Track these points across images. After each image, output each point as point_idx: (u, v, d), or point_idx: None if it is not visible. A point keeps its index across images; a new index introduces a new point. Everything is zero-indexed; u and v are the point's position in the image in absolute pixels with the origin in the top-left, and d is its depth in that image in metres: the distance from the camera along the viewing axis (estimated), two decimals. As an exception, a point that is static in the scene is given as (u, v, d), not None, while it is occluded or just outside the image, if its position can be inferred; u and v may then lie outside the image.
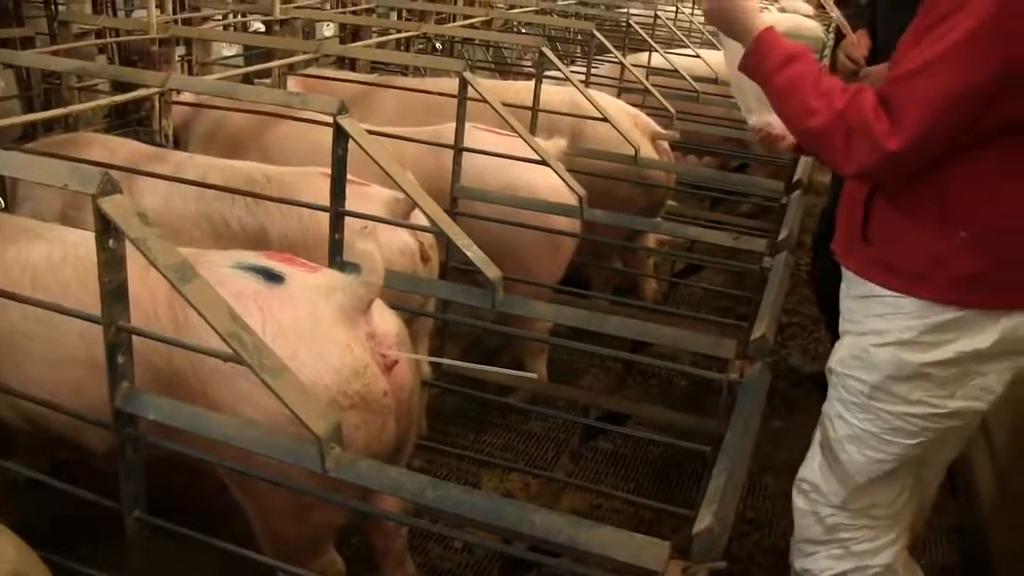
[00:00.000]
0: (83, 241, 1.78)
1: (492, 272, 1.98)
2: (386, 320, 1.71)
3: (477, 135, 2.74)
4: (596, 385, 3.27)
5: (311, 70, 3.61)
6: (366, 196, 2.22)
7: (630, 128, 3.21)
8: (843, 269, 1.66)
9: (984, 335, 1.48)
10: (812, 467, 1.73)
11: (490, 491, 2.54)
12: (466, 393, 2.44)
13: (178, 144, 3.00)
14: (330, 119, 1.93)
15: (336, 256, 2.06)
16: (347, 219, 2.04)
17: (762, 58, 1.58)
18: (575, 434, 2.93)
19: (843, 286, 1.67)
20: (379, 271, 1.63)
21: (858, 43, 3.06)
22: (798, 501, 1.77)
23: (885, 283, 1.55)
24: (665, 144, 3.39)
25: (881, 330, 1.55)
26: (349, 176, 2.15)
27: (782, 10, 8.00)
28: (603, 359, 3.38)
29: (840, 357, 1.66)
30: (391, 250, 2.22)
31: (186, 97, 2.96)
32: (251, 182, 2.29)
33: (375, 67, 4.27)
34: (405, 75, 4.18)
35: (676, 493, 2.68)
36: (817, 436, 1.74)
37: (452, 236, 2.01)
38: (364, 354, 1.59)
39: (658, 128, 3.38)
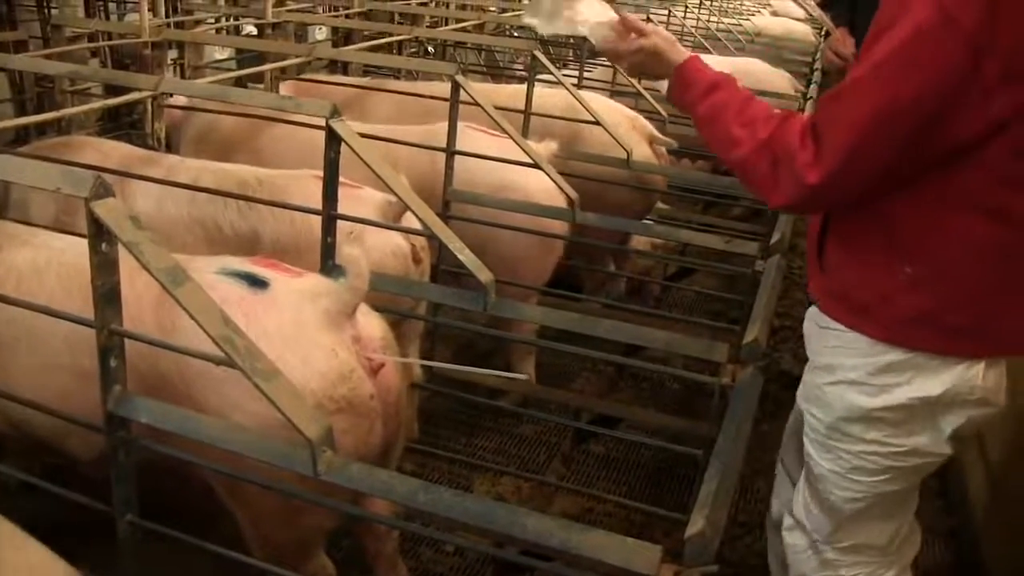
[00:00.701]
0: (69, 247, 1.78)
1: (484, 275, 1.98)
2: (371, 324, 1.71)
3: (471, 135, 2.75)
4: (588, 388, 3.28)
5: (303, 74, 3.61)
6: (359, 199, 2.23)
7: (627, 131, 3.22)
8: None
9: (935, 381, 1.38)
10: (798, 501, 1.63)
11: (482, 495, 2.54)
12: (458, 396, 2.45)
13: (171, 147, 2.99)
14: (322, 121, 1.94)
15: (328, 259, 2.06)
16: (339, 222, 2.04)
17: (684, 89, 1.52)
18: (567, 437, 2.93)
19: (809, 310, 1.58)
20: (364, 276, 1.63)
21: (844, 39, 3.08)
22: (789, 538, 1.66)
23: (837, 316, 1.46)
24: (662, 147, 3.41)
25: (833, 366, 1.47)
26: (341, 179, 2.15)
27: (774, 13, 8.05)
28: (595, 362, 3.38)
29: (801, 392, 1.59)
30: (383, 252, 2.23)
31: (179, 100, 2.96)
32: (243, 185, 2.30)
33: (367, 71, 4.28)
34: (398, 79, 4.19)
35: (668, 497, 2.68)
36: (803, 470, 1.63)
37: (444, 239, 2.01)
38: (350, 358, 1.59)
39: (655, 131, 3.39)
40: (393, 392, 1.70)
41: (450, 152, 2.62)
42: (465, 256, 1.99)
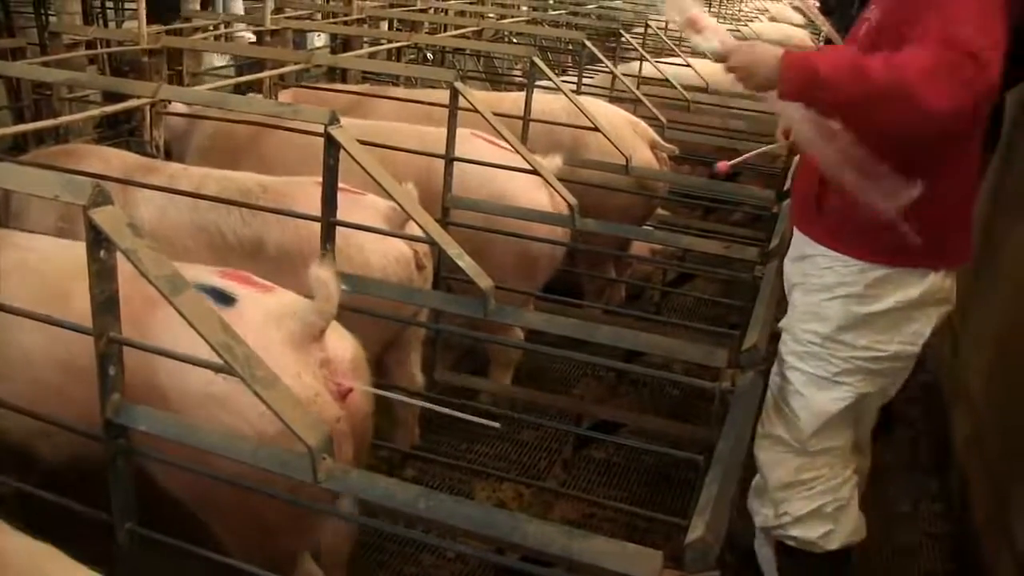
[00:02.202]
0: (44, 250, 1.76)
1: (484, 282, 1.98)
2: (341, 345, 1.68)
3: (473, 143, 2.75)
4: (588, 394, 3.27)
5: (301, 81, 3.61)
6: (362, 205, 2.23)
7: (628, 135, 3.22)
8: (796, 233, 1.91)
9: (914, 288, 1.75)
10: (772, 421, 1.92)
11: (483, 501, 2.53)
12: (459, 404, 2.44)
13: (170, 155, 3.00)
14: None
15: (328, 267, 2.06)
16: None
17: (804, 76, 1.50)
18: (568, 443, 2.93)
19: (792, 251, 1.92)
20: (333, 298, 1.61)
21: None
22: (761, 456, 1.94)
23: (835, 247, 1.78)
24: (663, 153, 3.41)
25: (830, 285, 1.80)
26: (345, 185, 2.15)
27: (772, 19, 8.06)
28: (596, 368, 3.38)
29: (794, 315, 1.88)
30: (387, 259, 2.22)
31: (178, 108, 2.97)
32: (247, 193, 2.29)
33: (366, 77, 4.28)
34: (396, 85, 4.19)
35: (669, 502, 2.68)
36: (770, 398, 1.93)
37: (444, 246, 2.02)
38: (314, 383, 1.56)
39: (657, 137, 3.40)
40: (361, 413, 1.67)
41: (449, 159, 2.62)
42: (465, 263, 2.00)
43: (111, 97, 2.92)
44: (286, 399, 1.28)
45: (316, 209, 2.05)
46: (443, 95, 2.74)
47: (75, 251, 1.71)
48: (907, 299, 1.76)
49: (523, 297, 2.81)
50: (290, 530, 1.69)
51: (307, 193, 2.24)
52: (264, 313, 1.57)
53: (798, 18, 8.16)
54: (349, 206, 2.12)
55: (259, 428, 1.50)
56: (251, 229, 2.26)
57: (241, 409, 1.51)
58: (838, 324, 1.80)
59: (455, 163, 2.63)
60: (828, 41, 3.32)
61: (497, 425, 1.57)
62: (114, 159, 2.49)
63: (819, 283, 1.83)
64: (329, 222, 2.04)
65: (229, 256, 2.22)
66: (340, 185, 2.08)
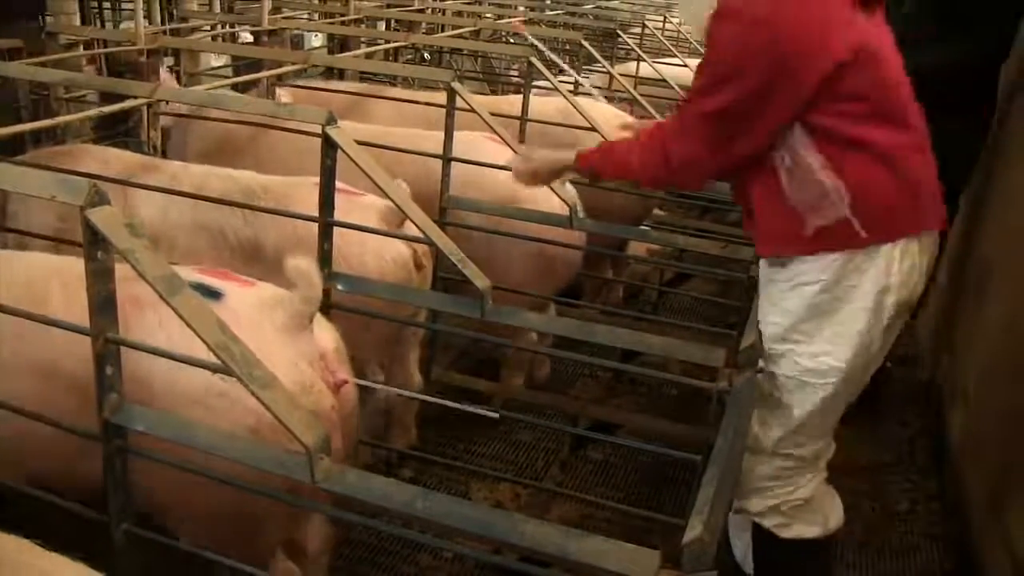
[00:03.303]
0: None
1: (481, 282, 1.99)
2: (324, 336, 1.69)
3: (481, 144, 2.75)
4: (586, 394, 3.28)
5: (299, 80, 3.61)
6: (361, 206, 2.22)
7: (625, 136, 3.22)
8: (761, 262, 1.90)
9: (867, 272, 1.73)
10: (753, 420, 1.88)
11: (480, 501, 2.54)
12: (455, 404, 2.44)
13: (166, 155, 2.99)
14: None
15: (325, 267, 2.06)
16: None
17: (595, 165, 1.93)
18: (565, 444, 2.93)
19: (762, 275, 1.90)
20: (316, 286, 1.61)
21: None
22: (745, 462, 1.91)
23: (787, 253, 1.78)
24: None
25: (790, 275, 1.78)
26: (344, 185, 2.15)
27: None
28: (593, 368, 3.39)
29: (762, 312, 1.87)
30: (384, 260, 2.22)
31: (175, 108, 2.96)
32: (248, 193, 2.28)
33: (363, 77, 4.28)
34: (395, 85, 4.19)
35: (667, 502, 2.68)
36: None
37: (441, 246, 2.02)
38: (310, 371, 1.57)
39: None
40: (349, 405, 1.68)
41: (446, 159, 2.62)
42: (462, 263, 2.00)
43: (108, 97, 2.91)
44: (284, 399, 1.28)
45: (315, 209, 2.04)
46: (442, 96, 2.74)
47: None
48: (855, 283, 1.74)
49: (534, 300, 2.80)
50: (272, 530, 1.68)
51: (308, 193, 2.23)
52: (252, 305, 1.56)
53: None
54: (348, 207, 2.12)
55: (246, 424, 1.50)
56: (252, 229, 2.26)
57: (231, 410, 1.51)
58: (799, 317, 1.78)
59: (464, 165, 2.63)
60: None
61: (496, 415, 1.57)
62: (113, 159, 2.49)
63: (777, 278, 1.83)
64: (327, 222, 2.04)
65: (229, 256, 2.22)
66: (339, 186, 2.08)
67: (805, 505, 1.95)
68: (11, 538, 0.87)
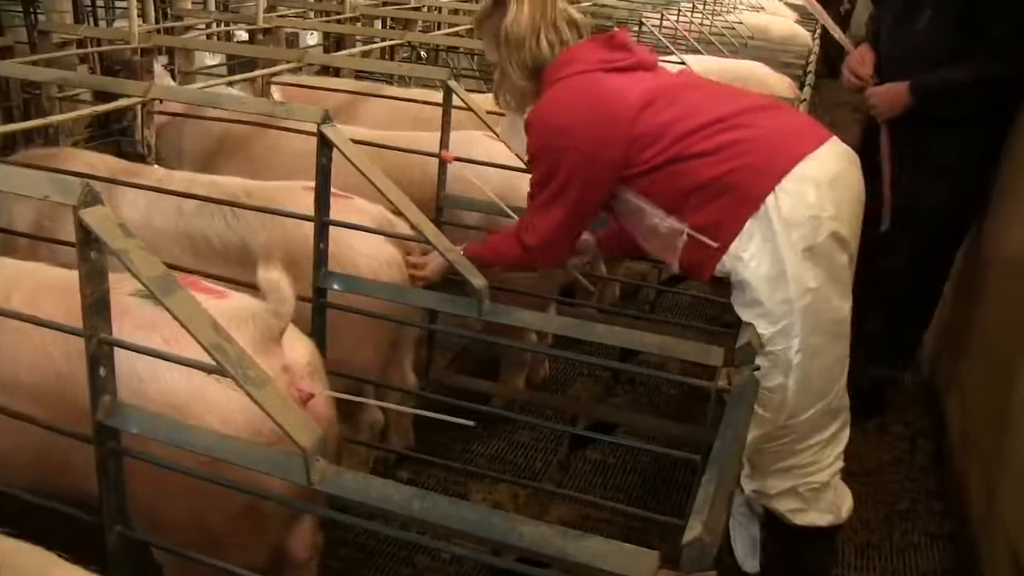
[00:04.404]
0: None
1: (478, 280, 1.98)
2: (298, 349, 1.67)
3: (478, 143, 2.74)
4: (584, 394, 3.27)
5: (295, 79, 3.61)
6: (353, 209, 2.22)
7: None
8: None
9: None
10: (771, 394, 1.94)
11: (478, 502, 2.53)
12: (452, 404, 2.44)
13: (160, 156, 2.99)
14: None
15: (321, 267, 2.06)
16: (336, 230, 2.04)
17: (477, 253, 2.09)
18: (563, 444, 2.93)
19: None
20: (288, 299, 1.60)
21: (862, 58, 3.06)
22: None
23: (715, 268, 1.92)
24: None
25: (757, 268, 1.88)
26: (333, 189, 2.14)
27: (761, 9, 8.04)
28: (591, 368, 3.39)
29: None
30: (377, 262, 2.21)
31: (170, 107, 2.96)
32: (232, 199, 2.27)
33: (359, 75, 4.28)
34: (390, 84, 4.19)
35: (666, 502, 2.68)
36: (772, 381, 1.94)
37: (438, 245, 2.02)
38: (279, 388, 1.56)
39: None
40: (324, 421, 1.64)
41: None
42: (459, 261, 1.99)
43: (102, 96, 2.91)
44: (278, 400, 1.28)
45: (308, 208, 2.04)
46: (438, 95, 2.74)
47: None
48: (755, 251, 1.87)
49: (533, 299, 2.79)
50: (260, 536, 1.67)
51: (294, 197, 2.23)
52: (222, 318, 1.53)
53: (787, 11, 8.17)
54: (338, 210, 2.11)
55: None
56: (236, 234, 2.24)
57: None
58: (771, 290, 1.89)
59: (461, 164, 2.62)
60: (824, 33, 3.31)
61: (472, 424, 1.57)
62: (98, 163, 2.48)
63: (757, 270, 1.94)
64: (322, 222, 2.03)
65: (214, 263, 2.21)
66: (331, 189, 2.07)
67: (822, 489, 2.00)
68: (36, 550, 0.87)
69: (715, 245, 1.88)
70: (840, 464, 2.03)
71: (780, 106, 2.05)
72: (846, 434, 2.02)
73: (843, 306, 1.91)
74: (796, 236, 1.82)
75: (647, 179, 1.92)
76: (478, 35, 2.21)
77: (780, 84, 4.77)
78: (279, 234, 2.20)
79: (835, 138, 1.93)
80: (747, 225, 1.85)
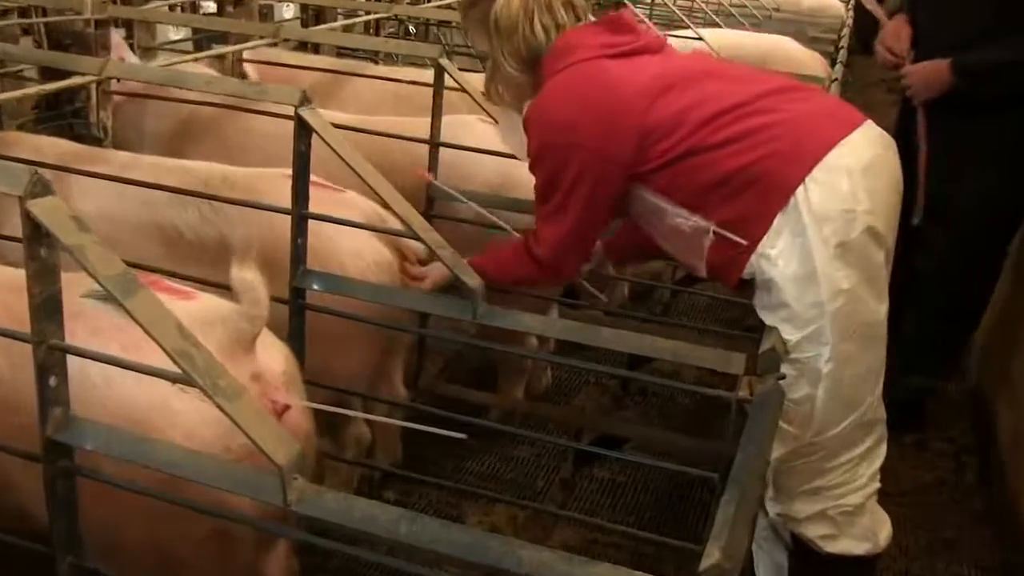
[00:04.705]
0: None
1: (473, 280, 1.98)
2: (272, 356, 1.66)
3: (473, 128, 2.75)
4: (590, 405, 3.27)
5: (270, 56, 3.61)
6: (344, 204, 2.21)
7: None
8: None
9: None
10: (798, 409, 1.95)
11: (473, 525, 2.53)
12: (444, 416, 2.44)
13: (118, 140, 2.98)
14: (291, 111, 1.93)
15: (299, 264, 2.06)
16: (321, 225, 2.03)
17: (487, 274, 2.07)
18: (567, 460, 2.93)
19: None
20: (262, 302, 1.59)
21: (897, 33, 3.06)
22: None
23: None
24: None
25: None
26: (322, 180, 2.14)
27: None
28: (598, 376, 3.39)
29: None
30: (365, 262, 2.20)
31: (128, 87, 2.95)
32: (207, 187, 2.27)
33: (341, 53, 4.27)
34: (375, 62, 4.19)
35: (681, 525, 2.69)
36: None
37: (428, 241, 2.01)
38: (252, 399, 1.55)
39: None
40: (301, 434, 1.63)
41: (434, 144, 2.62)
42: (451, 259, 1.99)
43: (50, 74, 2.89)
44: (251, 412, 1.28)
45: (286, 203, 2.03)
46: (429, 74, 2.74)
47: None
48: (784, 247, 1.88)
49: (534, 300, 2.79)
50: (222, 563, 1.67)
51: (278, 186, 2.22)
52: (189, 321, 1.52)
53: None
54: (328, 204, 2.11)
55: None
56: (213, 227, 2.23)
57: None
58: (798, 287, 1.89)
59: (454, 152, 2.63)
60: (858, 3, 3.33)
61: (464, 436, 1.57)
62: (47, 148, 2.46)
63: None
64: (300, 215, 2.03)
65: (187, 257, 2.20)
66: (317, 180, 2.08)
67: (855, 513, 1.99)
68: None
69: (744, 243, 1.88)
70: (876, 485, 2.02)
71: (807, 88, 2.05)
72: (882, 450, 2.02)
73: (879, 309, 1.91)
74: (828, 231, 1.82)
75: (664, 174, 1.92)
76: (465, 23, 2.20)
77: (810, 61, 4.77)
78: (262, 228, 2.19)
79: (869, 122, 1.93)
80: (776, 220, 1.85)
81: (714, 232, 1.90)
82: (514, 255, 2.09)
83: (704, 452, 2.42)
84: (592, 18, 2.09)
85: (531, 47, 2.01)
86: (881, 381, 1.99)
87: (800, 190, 1.83)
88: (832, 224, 1.82)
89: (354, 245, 2.21)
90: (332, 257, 2.17)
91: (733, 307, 3.81)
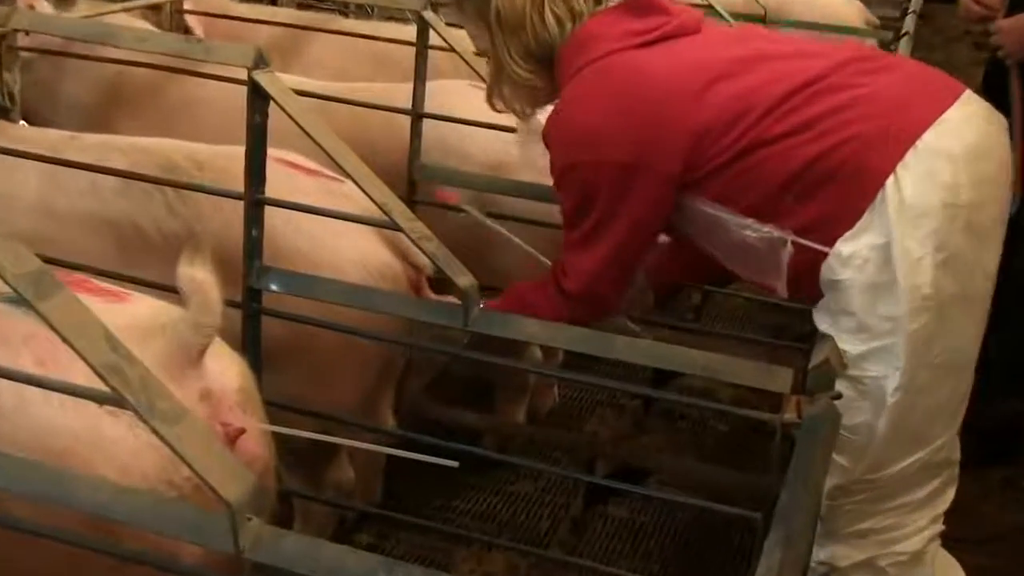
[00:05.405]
0: None
1: (465, 279, 1.98)
2: (226, 371, 1.65)
3: (464, 95, 2.76)
4: (605, 430, 3.27)
5: (218, 6, 3.61)
6: (340, 195, 2.20)
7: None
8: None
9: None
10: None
11: (464, 575, 2.53)
12: (431, 443, 2.44)
13: (29, 110, 2.97)
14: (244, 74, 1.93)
15: (254, 260, 2.05)
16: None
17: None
18: (577, 496, 2.93)
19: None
20: (214, 308, 1.57)
21: None
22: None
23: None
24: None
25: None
26: (314, 166, 2.16)
27: None
28: (614, 395, 3.39)
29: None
30: (366, 271, 2.20)
31: (42, 43, 2.94)
32: (170, 170, 2.24)
33: (304, 4, 4.27)
34: (345, 15, 4.19)
35: (715, 575, 2.68)
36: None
37: (409, 232, 2.01)
38: (198, 422, 1.54)
39: None
40: (259, 463, 1.62)
41: (417, 115, 2.62)
42: (438, 253, 1.99)
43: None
44: (197, 439, 1.27)
45: (278, 193, 2.02)
46: (411, 30, 2.74)
47: None
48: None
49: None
50: None
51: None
52: (122, 329, 1.50)
53: None
54: (319, 196, 2.12)
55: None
56: (180, 220, 2.21)
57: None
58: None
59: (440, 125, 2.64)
60: None
61: (455, 464, 1.56)
62: None
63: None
64: (255, 200, 2.02)
65: (147, 259, 2.16)
66: (311, 167, 2.08)
67: (912, 563, 1.98)
68: None
69: (827, 250, 1.86)
70: (938, 528, 2.01)
71: (885, 55, 2.02)
72: (950, 494, 2.01)
73: (972, 330, 1.89)
74: (922, 232, 1.79)
75: (720, 179, 1.90)
76: (458, 16, 2.17)
77: (847, 10, 4.80)
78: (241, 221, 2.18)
79: (969, 92, 1.91)
80: (863, 218, 1.83)
81: (792, 242, 1.88)
82: (538, 293, 2.09)
83: (743, 487, 2.42)
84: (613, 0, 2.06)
85: (543, 42, 1.99)
86: (961, 416, 1.97)
87: (890, 181, 1.80)
88: (928, 223, 1.79)
89: (356, 252, 2.21)
90: (327, 265, 2.17)
91: (778, 312, 3.81)
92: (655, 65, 1.90)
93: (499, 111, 2.19)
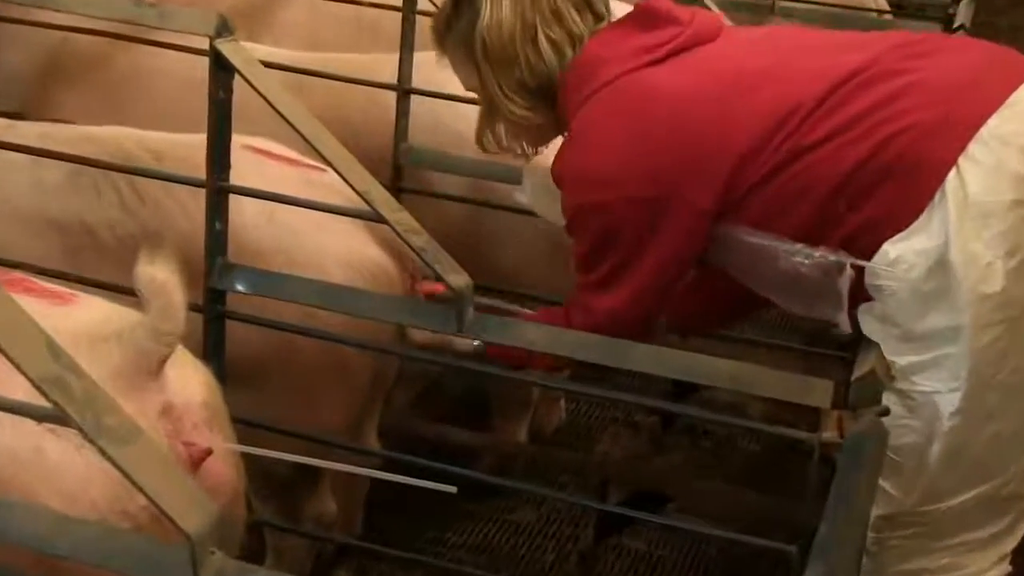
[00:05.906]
0: None
1: (457, 279, 1.98)
2: (189, 383, 1.65)
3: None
4: (618, 451, 3.28)
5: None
6: (321, 185, 2.21)
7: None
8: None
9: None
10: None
11: (457, 616, 2.54)
12: (421, 465, 2.45)
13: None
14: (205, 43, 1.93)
15: (216, 257, 2.05)
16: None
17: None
18: (587, 526, 2.93)
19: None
20: (176, 310, 1.57)
21: None
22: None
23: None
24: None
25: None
26: (293, 155, 2.17)
27: None
28: (629, 410, 3.40)
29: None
30: (353, 270, 2.20)
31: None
32: (127, 160, 2.23)
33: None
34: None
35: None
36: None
37: (394, 224, 2.01)
38: (155, 443, 1.54)
39: None
40: (226, 487, 1.64)
41: (403, 91, 2.62)
42: (427, 248, 1.99)
43: None
44: (152, 462, 1.27)
45: (247, 182, 2.03)
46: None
47: None
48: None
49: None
50: None
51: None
52: (67, 336, 1.49)
53: None
54: (298, 186, 2.12)
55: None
56: (137, 220, 2.21)
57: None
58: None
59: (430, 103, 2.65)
60: None
61: (452, 489, 1.57)
62: None
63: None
64: (217, 187, 2.02)
65: (100, 264, 2.16)
66: (289, 155, 2.09)
67: None
68: None
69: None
70: (1005, 569, 1.99)
71: (941, 37, 2.00)
72: (1020, 531, 1.98)
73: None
74: (990, 233, 1.77)
75: (761, 198, 1.89)
76: (442, 54, 2.15)
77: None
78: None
79: None
80: (919, 218, 1.81)
81: (852, 266, 1.85)
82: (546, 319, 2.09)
83: (776, 516, 2.43)
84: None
85: (539, 74, 1.98)
86: None
87: (951, 175, 1.78)
88: (997, 222, 1.77)
89: (342, 250, 2.21)
90: (310, 263, 2.17)
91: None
92: (672, 83, 1.89)
93: (493, 153, 2.17)
